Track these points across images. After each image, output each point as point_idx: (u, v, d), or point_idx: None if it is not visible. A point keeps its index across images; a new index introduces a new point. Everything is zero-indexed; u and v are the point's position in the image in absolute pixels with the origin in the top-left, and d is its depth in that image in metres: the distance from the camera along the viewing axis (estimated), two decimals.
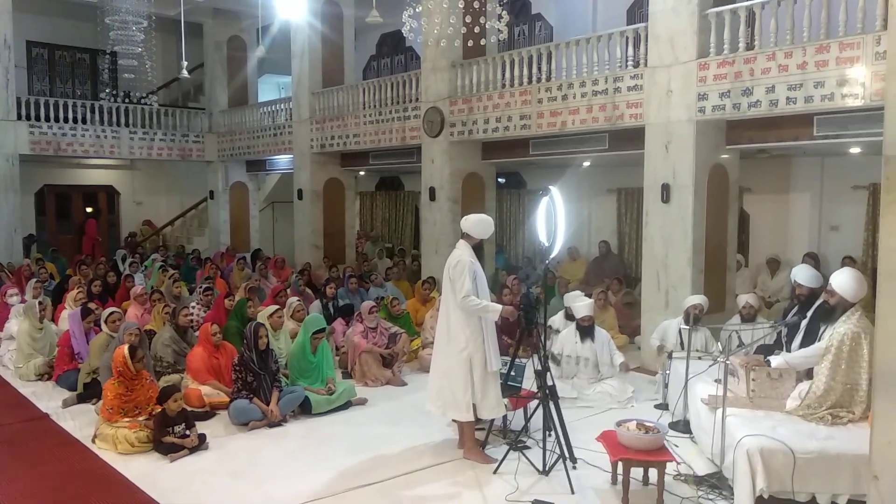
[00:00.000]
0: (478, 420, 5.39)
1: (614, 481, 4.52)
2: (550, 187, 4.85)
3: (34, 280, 9.17)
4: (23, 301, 8.13)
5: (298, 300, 8.17)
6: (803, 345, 4.81)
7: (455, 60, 9.86)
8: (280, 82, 17.72)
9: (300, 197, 13.11)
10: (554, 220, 4.78)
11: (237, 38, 15.46)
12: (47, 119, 13.49)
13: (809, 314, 4.94)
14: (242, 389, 5.73)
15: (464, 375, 4.84)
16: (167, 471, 4.78)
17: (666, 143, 7.44)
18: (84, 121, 13.93)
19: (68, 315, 7.23)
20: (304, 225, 13.11)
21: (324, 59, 12.70)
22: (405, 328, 7.71)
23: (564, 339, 6.46)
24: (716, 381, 4.83)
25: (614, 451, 4.34)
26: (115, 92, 13.25)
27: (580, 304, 6.51)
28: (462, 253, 4.97)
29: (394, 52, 15.30)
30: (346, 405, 6.18)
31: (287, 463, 4.94)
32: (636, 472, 4.40)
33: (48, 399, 6.41)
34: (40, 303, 7.56)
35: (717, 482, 4.45)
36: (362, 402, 6.35)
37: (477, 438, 5.21)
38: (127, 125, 14.46)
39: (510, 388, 5.29)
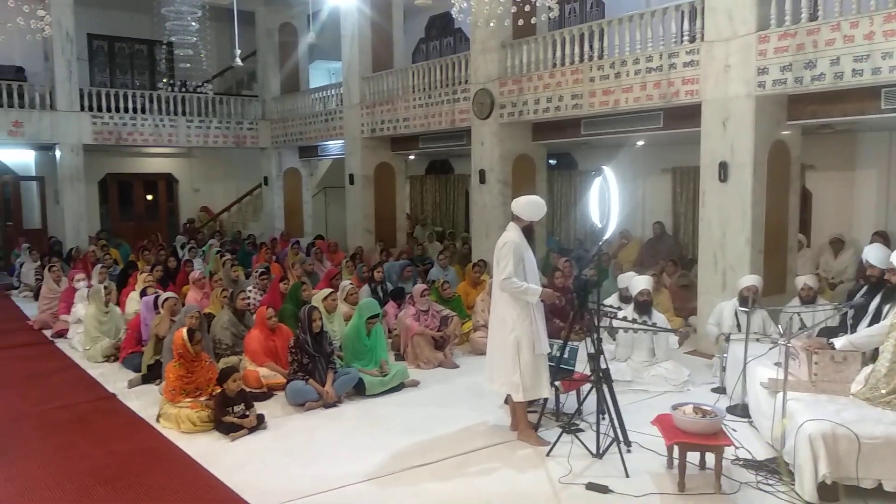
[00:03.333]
0: (530, 402, 5.41)
1: (670, 465, 4.45)
2: (603, 167, 4.76)
3: (100, 265, 9.51)
4: (89, 286, 8.45)
5: (351, 283, 8.26)
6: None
7: (505, 41, 9.75)
8: (330, 68, 17.87)
9: (351, 182, 13.24)
10: (608, 200, 4.69)
11: (288, 25, 15.64)
12: (108, 110, 13.94)
13: (879, 296, 4.74)
14: (298, 371, 5.85)
15: (512, 356, 4.85)
16: (228, 449, 4.92)
17: (724, 119, 7.21)
18: (143, 110, 14.35)
19: (142, 301, 7.48)
20: (356, 209, 13.25)
21: (373, 43, 12.75)
22: (456, 311, 7.73)
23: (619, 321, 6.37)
24: (776, 364, 4.69)
25: (670, 434, 4.27)
26: (171, 81, 13.59)
27: (637, 279, 6.41)
28: (510, 235, 4.93)
29: (443, 34, 15.23)
30: (399, 387, 6.25)
31: (343, 443, 5.02)
32: (692, 457, 4.33)
33: (115, 380, 6.66)
34: (105, 287, 7.85)
35: (777, 467, 4.34)
36: (415, 384, 6.41)
37: (529, 421, 5.22)
38: (184, 114, 14.83)
39: (563, 370, 5.26)
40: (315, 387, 5.79)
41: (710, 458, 4.28)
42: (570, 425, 4.96)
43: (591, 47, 8.72)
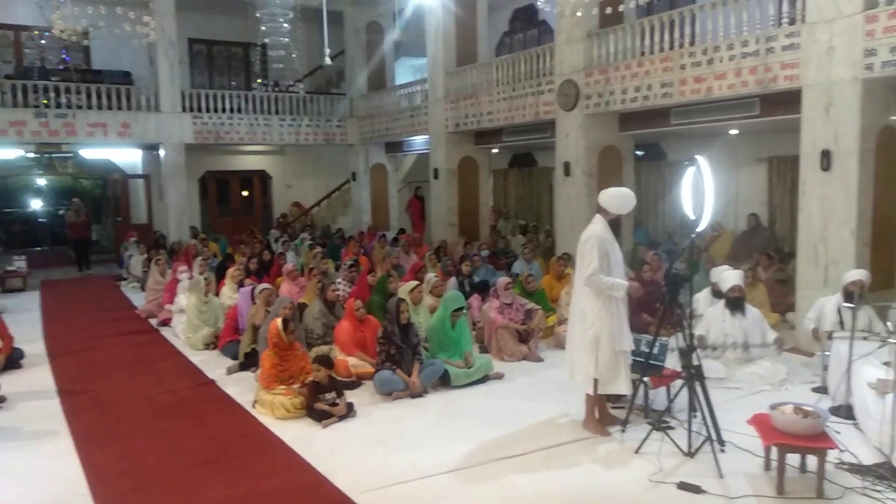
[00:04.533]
0: (617, 398, 5.32)
1: (767, 467, 4.27)
2: (697, 157, 4.59)
3: (200, 258, 10.01)
4: (191, 277, 8.90)
5: (436, 276, 8.34)
6: None
7: (591, 30, 9.58)
8: (415, 64, 18.06)
9: (436, 176, 13.36)
10: (701, 191, 4.52)
11: (375, 24, 15.91)
12: (207, 110, 14.63)
13: None
14: (386, 361, 5.97)
15: (590, 352, 4.79)
16: (319, 436, 5.08)
17: (826, 105, 6.82)
18: (239, 110, 14.98)
19: (240, 292, 7.83)
20: (440, 203, 13.36)
21: (457, 38, 12.80)
22: (541, 304, 7.68)
23: (710, 318, 6.15)
24: (885, 363, 4.41)
25: (768, 435, 4.10)
26: (265, 82, 14.10)
27: (728, 273, 6.17)
28: (594, 228, 4.84)
29: (527, 26, 15.10)
30: (483, 379, 6.28)
31: (429, 433, 5.10)
32: (792, 459, 4.14)
33: (214, 367, 6.99)
34: (205, 279, 8.25)
35: (885, 472, 4.09)
36: (499, 376, 6.42)
37: (616, 416, 5.14)
38: (277, 113, 15.38)
39: (652, 366, 5.13)
40: (402, 377, 5.89)
41: (812, 460, 4.08)
42: (659, 422, 4.83)
43: (681, 34, 8.43)
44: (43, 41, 14.04)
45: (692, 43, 8.31)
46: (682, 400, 4.72)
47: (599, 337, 4.77)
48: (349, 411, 5.41)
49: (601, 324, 4.76)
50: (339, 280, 8.50)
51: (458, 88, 12.60)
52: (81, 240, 14.64)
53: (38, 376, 6.84)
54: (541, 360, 6.99)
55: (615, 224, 4.91)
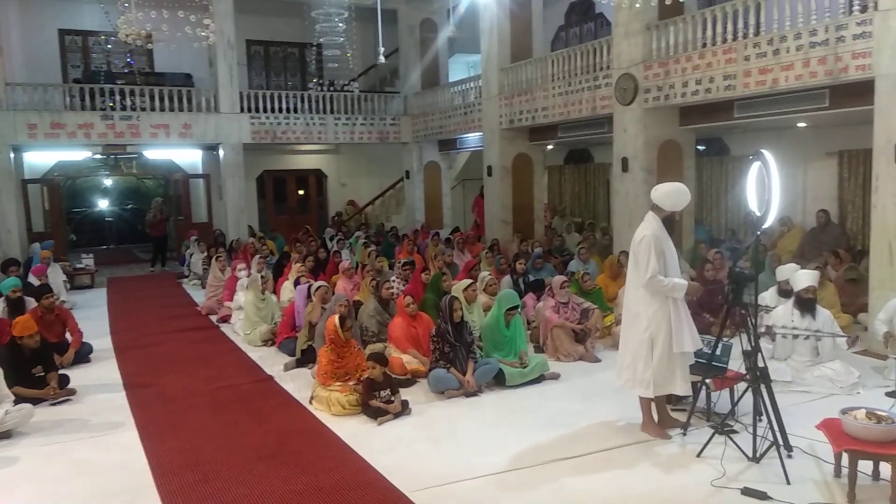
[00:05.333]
0: (677, 400, 5.18)
1: (837, 474, 4.08)
2: (762, 151, 4.40)
3: (258, 256, 10.21)
4: (249, 275, 9.08)
5: (490, 275, 8.30)
6: None
7: (650, 22, 9.35)
8: (469, 61, 18.02)
9: (489, 173, 13.29)
10: (767, 187, 4.34)
11: (429, 21, 15.93)
12: (265, 110, 14.91)
13: None
14: (440, 359, 5.96)
15: (645, 354, 4.67)
16: (375, 433, 5.10)
17: None
18: (295, 110, 15.22)
19: (296, 290, 7.96)
20: (494, 201, 13.29)
21: (512, 34, 12.70)
22: (597, 304, 7.54)
23: (778, 318, 5.92)
24: None
25: (839, 441, 3.91)
26: (321, 81, 14.30)
27: (802, 273, 5.93)
28: (648, 227, 4.67)
29: (583, 19, 14.87)
30: (538, 379, 6.20)
31: (484, 432, 5.06)
32: (864, 466, 3.94)
33: (272, 363, 7.11)
34: (262, 277, 8.40)
35: None
36: (555, 376, 6.33)
37: (677, 419, 4.99)
38: (332, 112, 15.56)
39: (715, 368, 4.97)
40: (456, 375, 5.87)
41: (885, 468, 3.88)
42: (722, 426, 4.68)
43: (745, 24, 8.15)
44: (109, 46, 14.58)
45: (757, 33, 8.02)
46: (747, 403, 4.55)
47: (655, 339, 4.64)
48: (404, 409, 5.42)
49: (657, 326, 4.63)
50: (393, 278, 8.54)
51: (512, 84, 12.50)
52: (160, 238, 15.15)
53: (105, 370, 7.09)
54: (598, 360, 6.87)
55: (669, 221, 4.75)
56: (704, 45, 8.63)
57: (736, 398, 4.89)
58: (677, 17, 8.98)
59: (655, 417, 4.94)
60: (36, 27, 15.24)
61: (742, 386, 4.71)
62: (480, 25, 13.04)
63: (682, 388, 4.75)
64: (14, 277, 8.51)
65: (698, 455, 4.48)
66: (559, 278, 7.43)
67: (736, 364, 5.11)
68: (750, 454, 4.37)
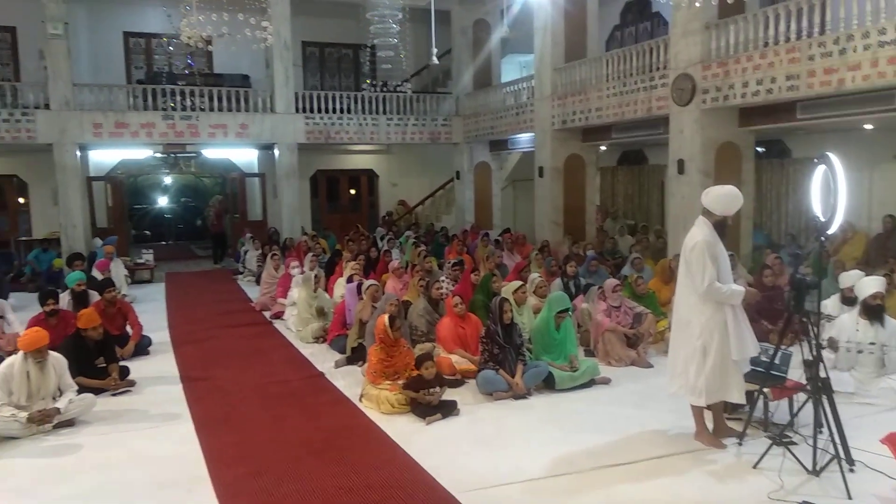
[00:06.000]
0: (732, 409, 5.05)
1: None
2: (828, 153, 4.24)
3: (311, 254, 10.36)
4: (302, 273, 9.23)
5: (541, 276, 8.23)
6: None
7: (709, 21, 9.13)
8: (522, 61, 17.93)
9: (541, 174, 13.19)
10: (833, 191, 4.17)
11: (482, 22, 15.91)
12: (319, 111, 15.13)
13: None
14: (489, 361, 5.94)
15: (697, 362, 4.55)
16: (423, 432, 5.12)
17: None
18: (349, 110, 15.41)
19: (346, 288, 8.05)
20: (545, 202, 13.18)
21: (566, 33, 12.58)
22: (650, 308, 7.40)
23: (841, 326, 5.71)
24: None
25: None
26: (374, 82, 14.43)
27: (868, 279, 5.70)
28: (698, 233, 4.55)
29: (639, 19, 14.64)
30: (589, 383, 6.12)
31: (533, 435, 5.02)
32: None
33: (323, 360, 7.21)
34: (315, 275, 8.52)
35: None
36: (606, 381, 6.24)
37: (733, 428, 4.86)
38: (384, 112, 15.70)
39: (773, 377, 4.82)
40: (505, 377, 5.84)
41: None
42: (781, 437, 4.53)
43: (809, 22, 7.88)
44: (171, 48, 15.00)
45: (822, 32, 7.75)
46: (807, 414, 4.40)
47: (708, 347, 4.52)
48: (452, 409, 5.41)
49: (710, 333, 4.51)
50: (442, 278, 8.55)
51: (565, 84, 12.38)
52: (220, 234, 15.55)
53: (163, 363, 7.31)
54: (650, 366, 6.73)
55: (721, 226, 4.61)
56: (766, 44, 8.38)
57: (795, 409, 4.74)
58: (738, 16, 8.75)
59: (710, 426, 4.82)
60: (102, 30, 15.81)
61: (802, 396, 4.57)
62: (534, 25, 12.96)
63: (737, 395, 4.63)
64: (79, 271, 8.85)
65: (755, 466, 4.35)
66: (611, 281, 7.32)
67: (796, 373, 4.94)
68: (809, 467, 4.22)
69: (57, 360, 5.48)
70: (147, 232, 22.00)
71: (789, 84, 8.02)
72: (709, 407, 4.77)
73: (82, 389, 5.66)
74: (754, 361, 4.89)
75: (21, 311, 8.66)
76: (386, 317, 5.86)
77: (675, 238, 10.06)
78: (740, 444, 4.69)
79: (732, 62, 8.77)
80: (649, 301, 7.65)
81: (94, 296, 7.78)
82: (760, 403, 4.92)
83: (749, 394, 4.75)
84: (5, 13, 14.52)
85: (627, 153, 15.68)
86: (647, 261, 10.02)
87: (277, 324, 9.12)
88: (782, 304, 7.28)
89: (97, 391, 5.91)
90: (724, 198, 4.56)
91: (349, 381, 6.38)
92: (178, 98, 14.04)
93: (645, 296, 7.70)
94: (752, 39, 8.58)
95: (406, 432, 5.09)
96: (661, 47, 10.18)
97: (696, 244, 4.51)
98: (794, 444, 4.55)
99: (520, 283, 7.46)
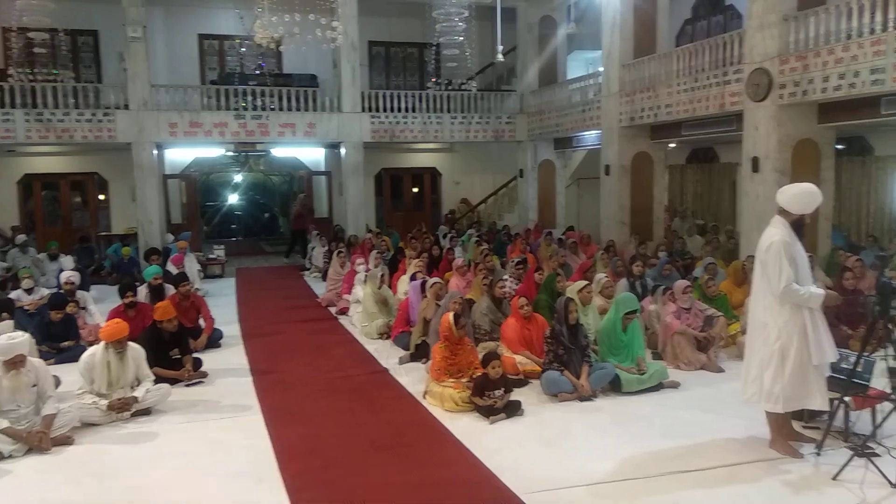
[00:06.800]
0: (810, 417, 4.85)
1: None
2: None
3: (375, 251, 10.48)
4: (367, 270, 9.34)
5: (607, 277, 8.09)
6: None
7: (787, 13, 8.79)
8: (588, 58, 17.67)
9: (607, 172, 12.97)
10: None
11: (548, 18, 15.76)
12: (384, 110, 15.29)
13: None
14: (554, 361, 5.87)
15: (774, 366, 4.38)
16: (487, 431, 5.10)
17: None
18: (413, 109, 15.51)
19: (410, 286, 8.11)
20: (611, 201, 12.95)
21: (635, 29, 12.33)
22: (722, 311, 7.17)
23: None
24: None
25: None
26: (439, 81, 14.48)
27: None
28: (775, 233, 4.38)
29: (711, 12, 14.20)
30: (657, 387, 5.98)
31: (598, 438, 4.93)
32: None
33: (387, 356, 7.28)
34: (381, 274, 8.61)
35: None
36: (674, 385, 6.08)
37: (811, 437, 4.66)
38: (448, 111, 15.73)
39: (855, 385, 4.60)
40: (570, 379, 5.76)
41: None
42: (863, 448, 4.32)
43: None
44: (243, 49, 15.43)
45: None
46: (891, 425, 4.18)
47: (786, 351, 4.35)
48: (516, 409, 5.38)
49: (788, 337, 4.34)
50: (506, 277, 8.51)
51: (634, 81, 12.13)
52: (300, 231, 15.93)
53: (234, 355, 7.52)
54: (721, 370, 6.53)
55: (798, 226, 4.43)
56: (849, 36, 8.00)
57: (879, 419, 4.51)
58: (818, 7, 8.39)
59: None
60: (177, 32, 16.40)
61: (887, 406, 4.35)
62: (602, 21, 12.75)
63: (819, 402, 4.44)
64: (156, 266, 9.20)
65: (834, 478, 4.16)
66: (682, 283, 7.12)
67: (879, 382, 4.70)
68: (894, 480, 4.01)
69: (135, 350, 5.71)
70: (232, 226, 22.83)
71: (874, 78, 7.64)
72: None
73: (158, 379, 5.87)
74: (835, 368, 4.69)
75: (101, 302, 9.09)
76: (451, 315, 5.86)
77: (747, 239, 9.73)
78: (818, 455, 4.50)
79: (812, 55, 8.41)
80: (720, 303, 7.42)
81: (170, 289, 8.07)
82: (840, 412, 4.70)
83: (829, 402, 4.54)
84: (88, 18, 15.22)
85: (697, 151, 15.26)
86: (717, 262, 9.73)
87: (342, 319, 9.26)
88: (863, 309, 6.96)
89: (172, 381, 6.12)
90: (802, 196, 4.39)
91: (413, 378, 6.42)
92: (250, 98, 14.42)
93: (716, 298, 7.47)
94: (833, 32, 8.21)
95: (470, 431, 5.08)
96: (735, 41, 9.85)
97: (772, 243, 4.36)
98: (877, 455, 4.32)
99: (585, 282, 7.36)
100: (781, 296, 4.31)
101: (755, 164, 9.41)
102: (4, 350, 4.80)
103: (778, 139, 9.09)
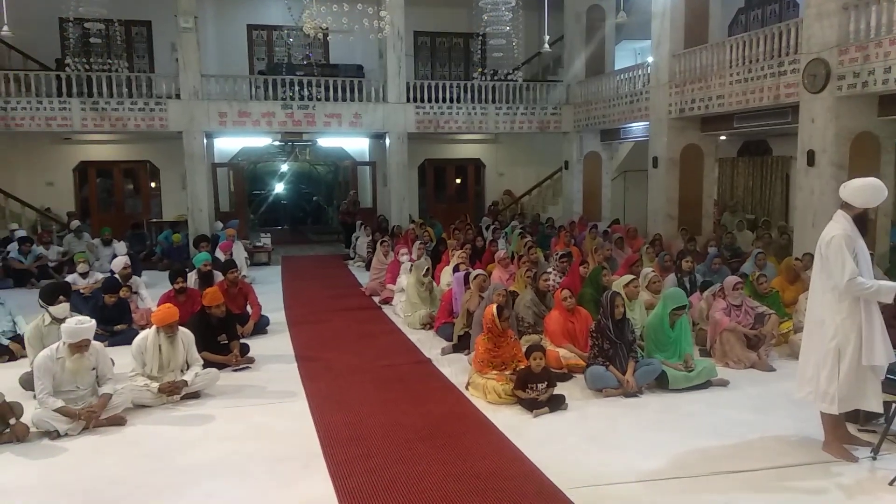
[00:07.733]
0: (866, 419, 4.69)
1: None
2: None
3: (418, 242, 10.50)
4: (411, 260, 9.37)
5: (654, 271, 7.95)
6: None
7: (848, 2, 8.46)
8: (637, 48, 17.39)
9: (655, 165, 12.73)
10: None
11: (596, 8, 15.51)
12: (429, 100, 15.27)
13: None
14: (599, 356, 5.80)
15: (830, 366, 4.26)
16: (530, 424, 5.07)
17: None
18: (458, 100, 15.46)
19: (453, 277, 8.12)
20: (659, 194, 12.72)
21: (686, 18, 12.04)
22: (774, 308, 6.98)
23: None
24: None
25: None
26: (484, 71, 14.42)
27: None
28: (838, 227, 4.26)
29: (766, 1, 13.79)
30: (705, 385, 5.85)
31: (645, 435, 4.86)
32: None
33: (430, 346, 7.30)
34: (427, 266, 8.62)
35: None
36: (723, 383, 5.95)
37: (868, 441, 4.52)
38: (493, 101, 15.63)
39: None
40: (615, 374, 5.69)
41: None
42: None
43: None
44: (291, 39, 15.58)
45: None
46: None
47: (843, 350, 4.23)
48: (560, 403, 5.33)
49: (844, 335, 4.22)
50: (550, 270, 8.43)
51: (684, 71, 11.86)
52: (347, 225, 16.11)
53: (280, 342, 7.63)
54: (772, 369, 6.36)
55: (861, 221, 4.30)
56: None
57: None
58: None
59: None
60: (228, 23, 16.65)
61: None
62: (652, 10, 12.47)
63: (874, 403, 4.30)
64: (205, 252, 9.38)
65: (891, 483, 4.03)
66: (732, 279, 6.95)
67: None
68: None
69: (185, 335, 5.84)
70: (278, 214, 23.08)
71: None
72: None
73: (207, 364, 5.99)
74: (892, 369, 4.51)
75: (152, 287, 9.32)
76: (494, 307, 5.83)
77: (801, 234, 9.45)
78: (874, 459, 4.36)
79: (874, 45, 8.09)
80: (772, 301, 7.22)
81: (219, 276, 8.22)
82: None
83: (886, 405, 4.39)
84: (142, 8, 15.56)
85: (749, 143, 14.87)
86: (769, 258, 9.48)
87: (386, 309, 9.32)
88: None
89: (220, 366, 6.25)
90: (866, 189, 4.27)
91: (455, 369, 6.42)
92: (297, 88, 14.56)
93: (768, 295, 7.28)
94: None
95: (513, 424, 5.06)
96: (791, 30, 9.54)
97: (833, 237, 4.24)
98: None
99: (631, 276, 7.24)
100: (845, 290, 4.18)
101: (811, 158, 9.12)
102: (73, 333, 4.96)
103: (835, 132, 8.78)
